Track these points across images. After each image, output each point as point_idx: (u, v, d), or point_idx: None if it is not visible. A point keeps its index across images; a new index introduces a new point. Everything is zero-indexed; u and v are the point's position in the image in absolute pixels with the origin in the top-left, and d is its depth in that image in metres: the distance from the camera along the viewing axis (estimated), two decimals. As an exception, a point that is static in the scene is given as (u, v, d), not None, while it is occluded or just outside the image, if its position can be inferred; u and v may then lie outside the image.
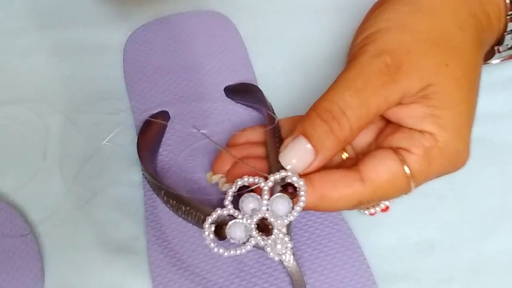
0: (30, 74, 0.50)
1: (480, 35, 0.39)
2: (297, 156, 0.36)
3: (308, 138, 0.36)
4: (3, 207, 0.45)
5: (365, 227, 0.44)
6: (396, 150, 0.37)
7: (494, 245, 0.43)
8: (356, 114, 0.36)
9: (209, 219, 0.36)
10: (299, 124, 0.37)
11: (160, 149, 0.46)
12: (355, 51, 0.38)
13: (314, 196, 0.36)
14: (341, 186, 0.36)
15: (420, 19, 0.38)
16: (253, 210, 0.36)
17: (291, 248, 0.36)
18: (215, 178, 0.40)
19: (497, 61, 0.44)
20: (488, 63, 0.44)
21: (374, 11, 0.40)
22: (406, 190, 0.37)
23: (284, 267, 0.41)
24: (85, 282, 0.44)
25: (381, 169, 0.36)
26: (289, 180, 0.36)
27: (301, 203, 0.36)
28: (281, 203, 0.36)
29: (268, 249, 0.36)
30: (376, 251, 0.43)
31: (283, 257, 0.36)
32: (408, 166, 0.36)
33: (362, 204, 0.37)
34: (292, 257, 0.38)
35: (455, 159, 0.37)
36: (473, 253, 0.43)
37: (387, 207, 0.41)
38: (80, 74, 0.50)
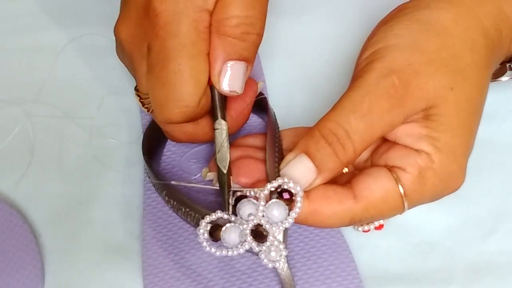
0: (31, 74, 0.50)
1: (491, 55, 0.39)
2: (298, 174, 0.37)
3: (311, 158, 0.36)
4: (3, 208, 0.45)
5: (365, 228, 0.44)
6: (391, 168, 0.37)
7: (494, 246, 0.43)
8: (361, 138, 0.36)
9: (207, 218, 0.37)
10: (302, 141, 0.37)
11: (164, 149, 0.46)
12: (362, 66, 0.38)
13: (308, 210, 0.37)
14: (334, 203, 0.37)
15: (431, 38, 0.37)
16: (249, 215, 0.36)
17: (286, 256, 0.37)
18: (210, 175, 0.40)
19: (507, 78, 0.43)
20: (498, 81, 0.43)
21: (382, 25, 0.39)
22: (399, 209, 0.37)
23: (277, 275, 0.41)
24: (85, 283, 0.44)
25: (375, 187, 0.36)
26: (285, 186, 0.36)
27: (297, 209, 0.36)
28: (277, 209, 0.36)
29: (262, 255, 0.36)
30: (376, 252, 0.43)
31: (277, 264, 0.36)
32: (402, 185, 0.36)
33: (355, 223, 0.37)
34: (286, 265, 0.39)
35: (449, 182, 0.37)
36: (473, 254, 0.43)
37: (381, 225, 0.41)
38: (82, 74, 0.50)
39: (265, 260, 0.36)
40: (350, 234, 0.44)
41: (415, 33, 0.38)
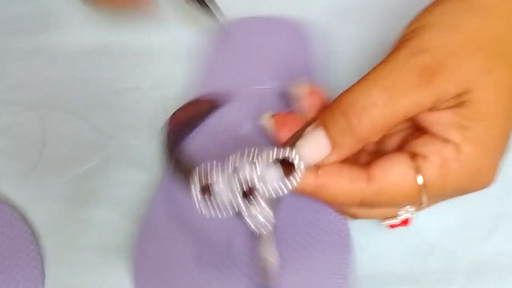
0: (30, 76, 0.50)
1: None
2: (313, 149, 0.35)
3: (327, 131, 0.35)
4: (3, 209, 0.45)
5: (366, 229, 0.44)
6: (413, 155, 0.35)
7: (494, 247, 0.43)
8: (381, 113, 0.34)
9: (200, 169, 0.35)
10: (322, 113, 0.36)
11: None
12: (396, 45, 0.35)
13: (315, 184, 0.35)
14: (344, 181, 0.35)
15: (471, 17, 0.35)
16: (245, 176, 0.35)
17: (273, 224, 0.35)
18: (265, 117, 0.40)
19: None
20: None
21: (428, 6, 0.37)
22: (415, 200, 0.35)
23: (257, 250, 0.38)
24: (85, 284, 0.44)
25: (391, 171, 0.34)
26: (288, 157, 0.35)
27: (293, 180, 0.34)
28: (274, 174, 0.35)
29: (249, 220, 0.35)
30: (376, 253, 0.43)
31: (263, 230, 0.35)
32: (422, 175, 0.34)
33: (365, 205, 0.36)
34: (272, 233, 0.37)
35: (477, 177, 0.35)
36: (473, 255, 0.43)
37: (407, 220, 0.39)
38: (81, 75, 0.50)
39: (252, 225, 0.35)
40: (351, 235, 0.44)
41: (455, 13, 0.35)
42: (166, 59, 0.51)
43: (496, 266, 0.43)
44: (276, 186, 0.35)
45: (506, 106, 0.34)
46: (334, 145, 0.35)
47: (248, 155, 0.35)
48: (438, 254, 0.43)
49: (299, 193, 0.36)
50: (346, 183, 0.35)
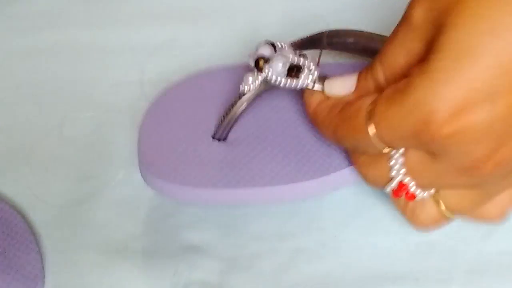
0: (30, 75, 0.50)
1: None
2: (339, 83, 0.38)
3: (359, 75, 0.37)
4: (3, 208, 0.45)
5: (366, 228, 0.44)
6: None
7: (494, 246, 0.43)
8: (387, 65, 0.35)
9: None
10: None
11: None
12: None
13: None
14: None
15: None
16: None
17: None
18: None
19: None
20: None
21: None
22: (363, 132, 0.34)
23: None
24: (85, 283, 0.44)
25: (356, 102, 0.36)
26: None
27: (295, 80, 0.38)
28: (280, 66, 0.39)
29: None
30: (376, 251, 0.43)
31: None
32: (372, 106, 0.34)
33: (337, 135, 0.37)
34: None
35: (420, 112, 0.31)
36: (473, 254, 0.43)
37: (413, 195, 0.37)
38: (79, 75, 0.50)
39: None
40: (351, 233, 0.44)
41: None
42: (167, 56, 0.51)
43: (496, 265, 0.43)
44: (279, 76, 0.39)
45: (477, 40, 0.30)
46: (358, 86, 0.37)
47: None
48: (438, 253, 0.43)
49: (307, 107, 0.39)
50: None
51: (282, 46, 0.40)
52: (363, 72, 0.37)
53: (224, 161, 0.41)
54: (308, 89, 0.39)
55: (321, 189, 0.41)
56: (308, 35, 0.43)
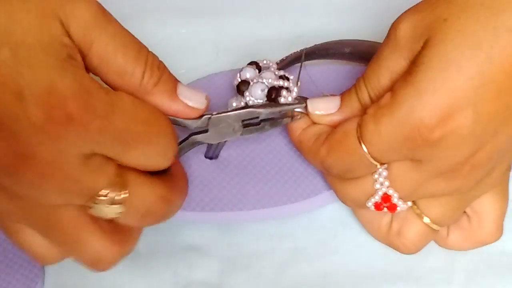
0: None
1: None
2: (323, 102, 0.38)
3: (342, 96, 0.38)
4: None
5: (366, 228, 0.44)
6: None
7: (495, 246, 0.42)
8: (371, 85, 0.36)
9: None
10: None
11: None
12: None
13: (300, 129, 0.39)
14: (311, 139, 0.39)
15: None
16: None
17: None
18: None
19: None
20: None
21: None
22: (359, 156, 0.36)
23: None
24: (84, 283, 0.44)
25: (342, 128, 0.37)
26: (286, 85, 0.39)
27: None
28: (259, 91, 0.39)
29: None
30: (376, 251, 0.43)
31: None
32: (360, 128, 0.35)
33: (325, 168, 0.37)
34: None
35: (409, 123, 0.33)
36: (473, 254, 0.43)
37: (394, 206, 0.38)
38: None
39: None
40: (351, 233, 0.44)
41: None
42: (171, 55, 0.51)
43: (496, 264, 0.43)
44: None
45: (461, 53, 0.32)
46: (342, 106, 0.38)
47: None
48: (438, 253, 0.43)
49: (290, 132, 0.40)
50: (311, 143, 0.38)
51: (266, 64, 0.41)
52: (347, 92, 0.38)
53: (213, 182, 0.42)
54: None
55: (308, 208, 0.43)
56: (290, 54, 0.44)
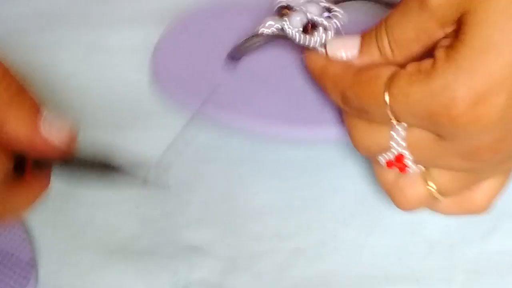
0: (30, 74, 0.49)
1: None
2: (342, 43, 0.38)
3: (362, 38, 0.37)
4: None
5: (366, 227, 0.44)
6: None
7: (494, 245, 0.43)
8: (395, 33, 0.36)
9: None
10: None
11: None
12: None
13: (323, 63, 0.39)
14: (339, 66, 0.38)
15: None
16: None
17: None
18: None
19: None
20: None
21: None
22: (380, 99, 0.35)
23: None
24: (85, 283, 0.43)
25: (372, 69, 0.36)
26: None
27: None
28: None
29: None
30: (376, 251, 0.43)
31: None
32: (392, 77, 0.34)
33: (346, 98, 0.37)
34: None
35: (442, 97, 0.32)
36: (473, 254, 0.43)
37: (404, 166, 0.38)
38: (85, 75, 0.49)
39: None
40: (351, 233, 0.44)
41: None
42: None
43: (496, 265, 0.43)
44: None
45: (504, 37, 0.31)
46: (361, 52, 0.37)
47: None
48: (438, 253, 0.43)
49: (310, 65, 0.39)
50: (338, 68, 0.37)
51: None
52: (367, 37, 0.37)
53: (230, 85, 0.42)
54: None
55: (311, 136, 0.42)
56: None
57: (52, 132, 0.34)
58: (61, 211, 0.45)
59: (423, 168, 0.38)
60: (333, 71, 0.38)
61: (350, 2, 0.43)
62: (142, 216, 0.45)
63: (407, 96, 0.33)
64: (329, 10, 0.40)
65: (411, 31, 0.35)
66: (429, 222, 0.44)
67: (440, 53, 0.33)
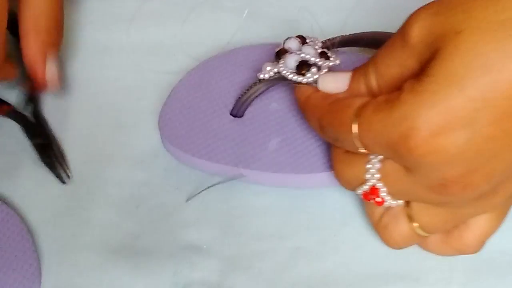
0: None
1: None
2: (333, 79, 0.39)
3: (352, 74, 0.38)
4: (1, 208, 0.45)
5: (366, 228, 0.44)
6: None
7: (495, 246, 0.43)
8: (380, 73, 0.36)
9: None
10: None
11: None
12: None
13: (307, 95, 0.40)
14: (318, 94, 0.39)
15: None
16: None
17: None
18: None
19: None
20: None
21: None
22: (347, 126, 0.35)
23: None
24: (84, 283, 0.43)
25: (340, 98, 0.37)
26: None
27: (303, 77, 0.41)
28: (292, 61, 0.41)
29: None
30: (376, 251, 0.43)
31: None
32: (360, 106, 0.35)
33: (322, 126, 0.38)
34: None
35: (402, 127, 0.33)
36: (473, 254, 0.43)
37: (382, 201, 0.38)
38: (81, 75, 0.49)
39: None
40: (350, 233, 0.44)
41: None
42: (167, 56, 0.51)
43: (496, 264, 0.43)
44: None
45: (468, 73, 0.31)
46: (349, 87, 0.38)
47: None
48: (438, 253, 0.43)
49: (297, 95, 0.41)
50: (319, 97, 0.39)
51: (312, 40, 0.43)
52: (357, 73, 0.38)
53: (237, 139, 0.44)
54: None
55: (321, 183, 0.43)
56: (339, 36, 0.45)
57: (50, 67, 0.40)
58: (61, 211, 0.45)
59: (400, 202, 0.38)
60: (314, 100, 0.39)
61: (344, 48, 0.44)
62: (142, 216, 0.45)
63: (370, 124, 0.34)
64: (323, 54, 0.42)
65: (395, 68, 0.35)
66: (429, 222, 0.44)
67: (407, 85, 0.33)
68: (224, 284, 0.43)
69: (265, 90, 0.44)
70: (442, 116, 0.31)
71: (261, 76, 0.42)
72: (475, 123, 0.31)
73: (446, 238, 0.40)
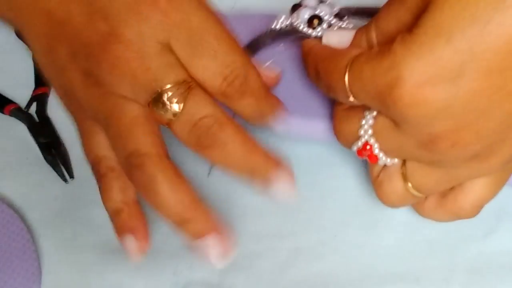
0: (30, 74, 0.50)
1: None
2: (337, 36, 0.39)
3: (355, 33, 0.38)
4: (1, 207, 0.45)
5: (365, 227, 0.44)
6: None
7: (494, 245, 0.43)
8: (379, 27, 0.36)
9: None
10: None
11: None
12: None
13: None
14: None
15: None
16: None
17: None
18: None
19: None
20: None
21: None
22: (341, 78, 0.36)
23: None
24: (84, 283, 0.44)
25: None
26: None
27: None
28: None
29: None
30: (376, 251, 0.43)
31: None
32: (354, 54, 0.35)
33: (317, 73, 0.38)
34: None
35: (388, 76, 0.32)
36: (473, 253, 0.43)
37: (376, 157, 0.38)
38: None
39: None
40: (350, 233, 0.44)
41: None
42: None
43: (497, 264, 0.43)
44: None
45: (455, 24, 0.31)
46: (352, 43, 0.38)
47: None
48: (439, 252, 0.43)
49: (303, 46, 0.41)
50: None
51: (330, 2, 0.44)
52: (360, 30, 0.38)
53: None
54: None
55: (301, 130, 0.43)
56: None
57: None
58: (61, 211, 0.45)
59: (396, 162, 0.38)
60: (315, 49, 0.39)
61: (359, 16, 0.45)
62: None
63: (361, 72, 0.34)
64: (337, 15, 0.43)
65: (393, 23, 0.35)
66: (429, 221, 0.44)
67: (399, 37, 0.33)
68: (224, 284, 0.43)
69: (277, 37, 0.44)
70: (429, 68, 0.31)
71: (273, 26, 0.43)
72: (462, 76, 0.31)
73: (441, 201, 0.40)
